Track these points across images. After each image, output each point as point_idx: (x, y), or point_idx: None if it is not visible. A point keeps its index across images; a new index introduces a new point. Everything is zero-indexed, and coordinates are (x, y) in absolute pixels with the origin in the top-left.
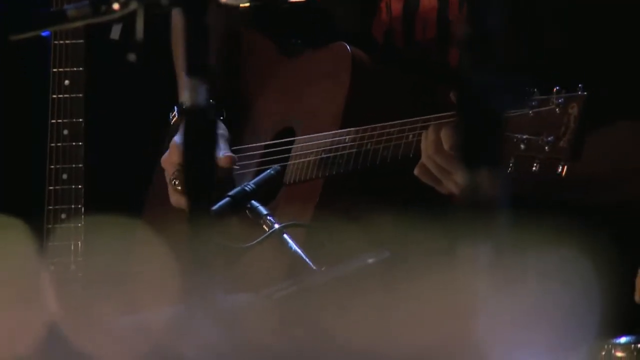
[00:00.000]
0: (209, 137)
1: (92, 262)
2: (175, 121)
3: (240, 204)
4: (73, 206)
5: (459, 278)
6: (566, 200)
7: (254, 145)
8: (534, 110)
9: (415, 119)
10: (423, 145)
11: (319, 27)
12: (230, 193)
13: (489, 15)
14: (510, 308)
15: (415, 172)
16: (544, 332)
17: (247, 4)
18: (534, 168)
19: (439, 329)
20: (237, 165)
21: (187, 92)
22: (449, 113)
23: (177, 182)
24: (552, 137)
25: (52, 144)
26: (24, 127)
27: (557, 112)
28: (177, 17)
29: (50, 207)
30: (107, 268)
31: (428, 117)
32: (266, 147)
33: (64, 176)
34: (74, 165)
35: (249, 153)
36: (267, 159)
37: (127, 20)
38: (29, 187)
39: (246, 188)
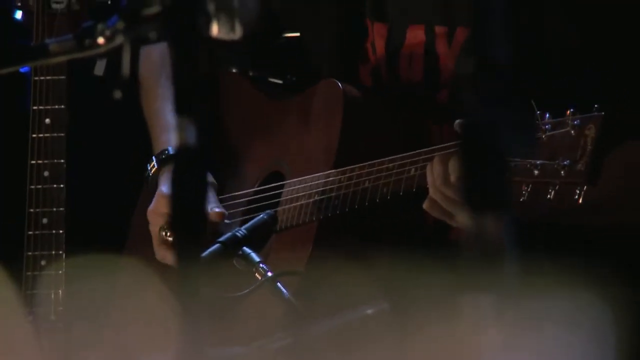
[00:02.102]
0: (200, 178)
1: (75, 310)
2: (154, 172)
3: (231, 250)
4: (54, 252)
5: (462, 330)
6: (578, 224)
7: (240, 193)
8: (548, 133)
9: (418, 151)
10: (430, 179)
11: (305, 71)
12: (221, 239)
13: (494, 48)
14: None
15: (425, 206)
16: None
17: (237, 38)
18: (549, 196)
19: None
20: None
21: (176, 132)
22: (453, 143)
23: (167, 234)
24: (568, 161)
25: (32, 186)
26: (1, 168)
27: (573, 134)
28: (147, 67)
29: (30, 253)
30: (91, 315)
31: (432, 148)
32: (253, 193)
33: (44, 220)
34: (54, 209)
35: (234, 201)
36: (254, 205)
37: (112, 56)
38: (6, 232)
39: (237, 234)
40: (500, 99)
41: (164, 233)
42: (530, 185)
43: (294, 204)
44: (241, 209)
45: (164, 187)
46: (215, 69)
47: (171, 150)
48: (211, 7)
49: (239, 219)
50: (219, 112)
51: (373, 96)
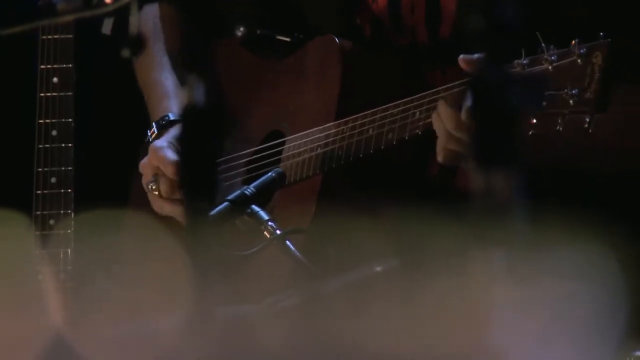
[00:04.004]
0: (209, 138)
1: (84, 268)
2: (154, 137)
3: (239, 208)
4: (62, 211)
5: (472, 283)
6: (589, 170)
7: (239, 154)
8: (554, 64)
9: (422, 94)
10: (438, 125)
11: (300, 25)
12: (229, 197)
13: (504, 8)
14: (527, 314)
15: (440, 159)
16: (563, 342)
17: None
18: (558, 127)
19: (450, 338)
20: (222, 175)
21: (184, 92)
22: (457, 83)
23: (153, 187)
24: (576, 90)
25: (40, 146)
26: (9, 127)
27: (580, 63)
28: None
29: (38, 213)
30: (100, 274)
31: (436, 89)
32: (253, 153)
33: (53, 179)
34: (63, 168)
35: (234, 163)
36: (254, 165)
37: (120, 14)
38: (15, 191)
39: (246, 192)
40: (507, 55)
41: (151, 186)
42: (539, 118)
43: (296, 159)
44: (242, 169)
45: (157, 141)
46: (224, 28)
47: (172, 116)
48: None
49: (239, 178)
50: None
51: (371, 47)
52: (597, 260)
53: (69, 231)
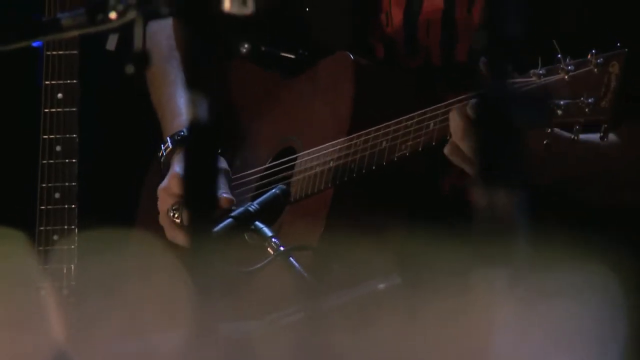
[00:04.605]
0: (212, 155)
1: (88, 284)
2: (169, 152)
3: (243, 225)
4: (66, 227)
5: (474, 302)
6: (586, 200)
7: (251, 171)
8: (570, 73)
9: (437, 106)
10: (452, 127)
11: (316, 48)
12: (233, 214)
13: (509, 19)
14: (529, 334)
15: (446, 151)
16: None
17: (249, 13)
18: (573, 136)
19: (452, 356)
20: (233, 191)
21: (188, 109)
22: (472, 94)
23: (176, 215)
24: (592, 99)
25: (44, 161)
26: (13, 143)
27: (596, 72)
28: (154, 51)
29: (42, 228)
30: (104, 290)
31: (452, 101)
32: (265, 169)
33: (57, 195)
34: (67, 184)
35: (245, 179)
36: (266, 181)
37: (125, 30)
38: (19, 207)
39: (250, 208)
40: (515, 70)
41: (172, 214)
42: (553, 127)
43: (308, 174)
44: (254, 185)
45: (177, 167)
46: (228, 45)
47: (186, 132)
48: None
49: (250, 194)
50: (228, 96)
51: (385, 65)
52: (599, 280)
53: (72, 247)
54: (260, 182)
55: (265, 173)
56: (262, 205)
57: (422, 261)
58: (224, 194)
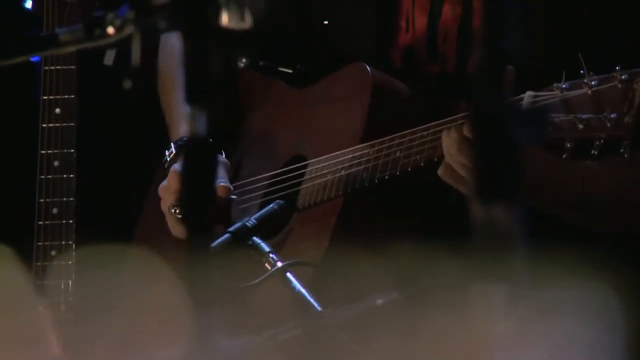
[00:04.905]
0: (209, 169)
1: (86, 300)
2: (172, 157)
3: (241, 240)
4: (64, 242)
5: (472, 318)
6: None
7: (260, 176)
8: (594, 89)
9: (455, 117)
10: (445, 145)
11: (332, 55)
12: (231, 229)
13: (508, 33)
14: (529, 351)
15: (440, 172)
16: None
17: (247, 28)
18: (594, 151)
19: None
20: (239, 198)
21: (187, 123)
22: (466, 113)
23: (177, 211)
24: (615, 114)
25: (42, 176)
26: (11, 157)
27: (620, 88)
28: (164, 57)
29: (40, 243)
30: (102, 305)
31: (457, 116)
32: (274, 176)
33: (54, 210)
34: (64, 199)
35: (254, 185)
36: (275, 187)
37: (122, 45)
38: (16, 222)
39: (247, 223)
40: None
41: (174, 210)
42: (574, 142)
43: (318, 182)
44: (262, 191)
45: (177, 165)
46: (228, 60)
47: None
48: None
49: (259, 200)
50: (240, 104)
51: (402, 77)
52: (598, 297)
53: (70, 262)
54: (269, 189)
55: (274, 180)
56: (260, 220)
57: (426, 274)
58: (222, 182)
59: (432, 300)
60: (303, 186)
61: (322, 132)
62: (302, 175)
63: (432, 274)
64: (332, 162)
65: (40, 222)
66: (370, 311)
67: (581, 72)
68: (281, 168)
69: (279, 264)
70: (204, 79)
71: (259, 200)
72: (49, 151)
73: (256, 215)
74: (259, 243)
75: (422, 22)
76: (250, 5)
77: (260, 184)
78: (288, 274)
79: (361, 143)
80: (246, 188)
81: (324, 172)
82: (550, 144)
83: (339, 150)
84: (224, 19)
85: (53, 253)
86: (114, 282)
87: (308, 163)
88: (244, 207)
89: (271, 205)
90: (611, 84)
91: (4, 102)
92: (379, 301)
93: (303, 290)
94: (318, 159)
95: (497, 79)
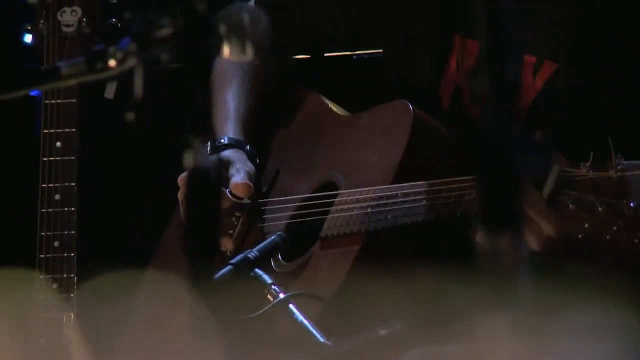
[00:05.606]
0: (212, 199)
1: (90, 332)
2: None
3: (242, 272)
4: (65, 275)
5: (479, 346)
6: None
7: (290, 197)
8: (619, 173)
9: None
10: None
11: (386, 88)
12: (233, 261)
13: (506, 66)
14: None
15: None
16: None
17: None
18: (607, 236)
19: None
20: (270, 207)
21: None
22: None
23: None
24: (634, 203)
25: (43, 210)
26: (13, 191)
27: None
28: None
29: (41, 277)
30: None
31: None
32: (304, 199)
33: (56, 243)
34: (66, 232)
35: (282, 205)
36: (303, 211)
37: (124, 78)
38: (18, 255)
39: (249, 255)
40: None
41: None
42: (589, 224)
43: (344, 213)
44: (290, 212)
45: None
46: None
47: (226, 140)
48: (222, 29)
49: (285, 221)
50: (293, 119)
51: (446, 119)
52: (606, 323)
53: (71, 295)
54: (297, 212)
55: (303, 203)
56: (262, 252)
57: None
58: (242, 178)
59: (437, 329)
60: (330, 215)
61: (357, 163)
62: (331, 204)
63: (449, 306)
64: (360, 196)
65: (42, 255)
66: (375, 341)
67: (611, 154)
68: (312, 192)
69: (282, 296)
70: (206, 112)
71: (287, 221)
72: (49, 185)
73: (258, 247)
74: (261, 275)
75: (471, 63)
76: (252, 38)
77: (291, 204)
78: (291, 306)
79: (393, 180)
80: (277, 206)
81: (352, 205)
82: (569, 217)
83: (371, 185)
84: (225, 52)
85: (54, 286)
86: (116, 314)
87: (338, 193)
88: (274, 224)
89: (273, 237)
90: (638, 172)
91: (5, 136)
92: (383, 332)
93: (305, 322)
94: (349, 190)
95: (500, 112)
